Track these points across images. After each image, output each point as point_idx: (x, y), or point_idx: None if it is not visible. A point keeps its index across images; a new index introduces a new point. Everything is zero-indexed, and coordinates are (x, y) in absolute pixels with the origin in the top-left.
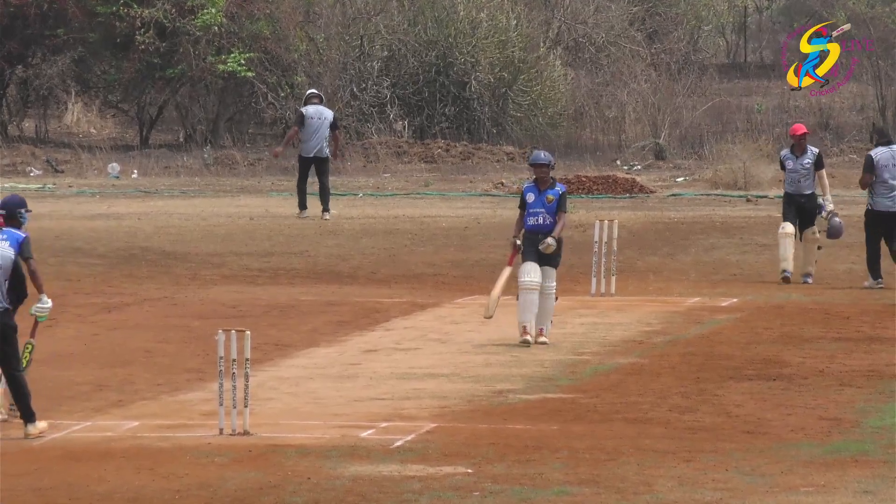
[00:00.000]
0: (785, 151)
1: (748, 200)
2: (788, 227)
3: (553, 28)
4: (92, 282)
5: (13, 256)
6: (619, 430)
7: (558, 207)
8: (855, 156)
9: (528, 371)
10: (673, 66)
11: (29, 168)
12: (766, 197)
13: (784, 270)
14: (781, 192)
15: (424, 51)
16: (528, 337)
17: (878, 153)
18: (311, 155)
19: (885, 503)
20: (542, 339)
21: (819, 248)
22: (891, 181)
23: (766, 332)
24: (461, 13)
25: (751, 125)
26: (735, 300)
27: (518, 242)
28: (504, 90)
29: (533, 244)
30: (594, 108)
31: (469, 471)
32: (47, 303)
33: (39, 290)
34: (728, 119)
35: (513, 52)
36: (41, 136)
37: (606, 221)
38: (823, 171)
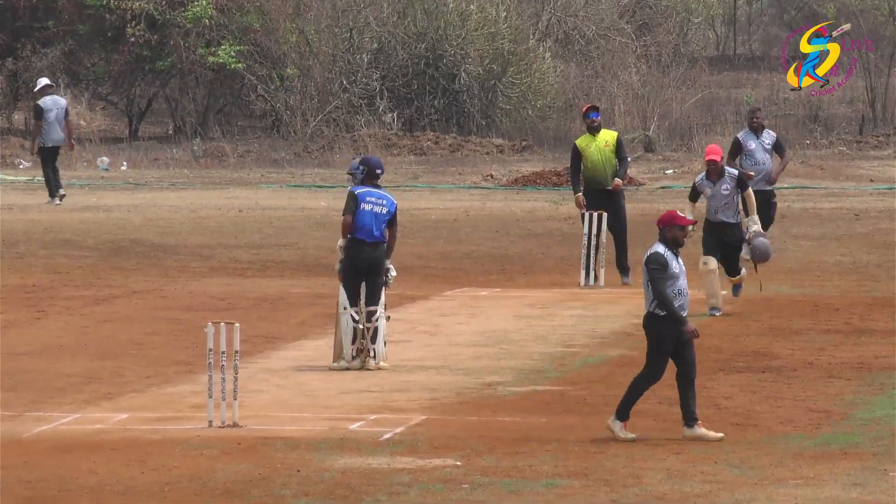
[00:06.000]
0: (700, 178)
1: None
2: (711, 263)
3: (543, 20)
4: (81, 274)
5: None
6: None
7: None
8: (844, 148)
9: (518, 363)
10: (662, 59)
11: (18, 160)
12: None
13: (713, 307)
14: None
15: (414, 43)
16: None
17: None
18: (53, 145)
19: (874, 495)
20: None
21: (754, 272)
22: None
23: (755, 325)
24: (450, 5)
25: (740, 117)
26: (725, 292)
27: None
28: (493, 82)
29: None
30: (584, 100)
31: (458, 463)
32: (392, 272)
33: (389, 254)
34: (717, 111)
35: (502, 44)
36: (31, 129)
37: (595, 213)
38: (749, 191)
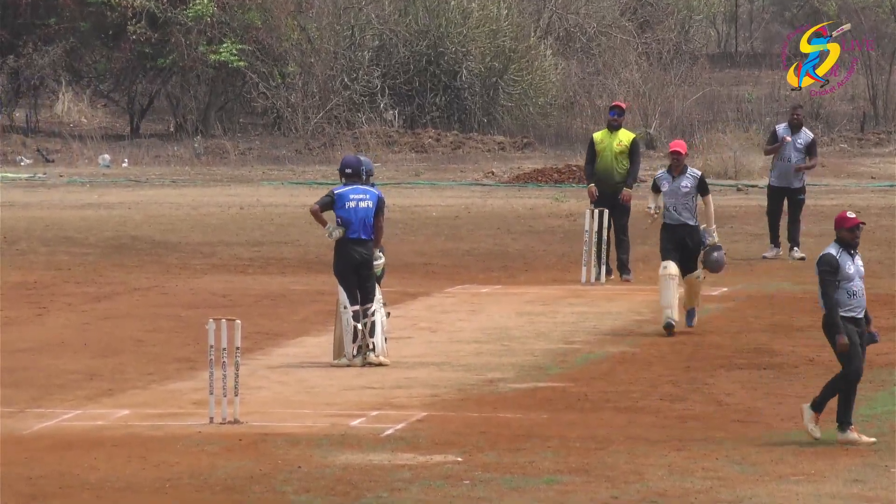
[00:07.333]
0: (661, 172)
1: (739, 189)
2: (671, 267)
3: (544, 17)
4: (82, 271)
5: (373, 213)
6: (609, 419)
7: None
8: (846, 145)
9: (519, 360)
10: (664, 56)
11: (20, 157)
12: (756, 186)
13: (668, 318)
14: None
15: (415, 40)
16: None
17: None
18: None
19: (875, 491)
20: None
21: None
22: None
23: (756, 321)
24: (452, 3)
25: (741, 114)
26: (725, 289)
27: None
28: (495, 80)
29: None
30: (585, 98)
31: (459, 459)
32: (381, 258)
33: (376, 245)
34: (718, 108)
35: (504, 41)
36: (32, 126)
37: (597, 210)
38: (710, 197)
